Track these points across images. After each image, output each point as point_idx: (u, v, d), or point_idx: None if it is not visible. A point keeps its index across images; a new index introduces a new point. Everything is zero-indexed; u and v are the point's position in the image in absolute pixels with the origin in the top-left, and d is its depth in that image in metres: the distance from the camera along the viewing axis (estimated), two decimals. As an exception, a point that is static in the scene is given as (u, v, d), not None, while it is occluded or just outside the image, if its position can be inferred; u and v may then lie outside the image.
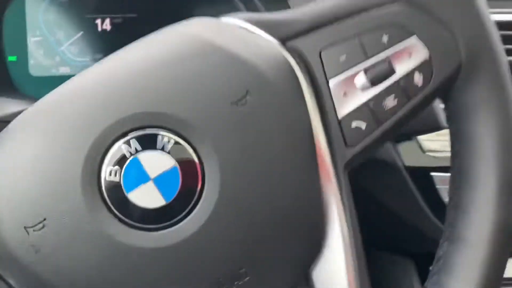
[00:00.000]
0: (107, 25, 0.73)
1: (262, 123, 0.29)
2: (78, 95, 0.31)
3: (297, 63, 0.32)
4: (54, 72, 0.73)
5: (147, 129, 0.28)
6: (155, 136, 0.28)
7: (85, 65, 0.73)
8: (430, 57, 0.31)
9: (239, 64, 0.30)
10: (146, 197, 0.28)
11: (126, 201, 0.28)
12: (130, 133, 0.28)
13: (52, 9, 0.71)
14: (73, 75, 0.70)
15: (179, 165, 0.28)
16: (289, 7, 0.47)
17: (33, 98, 0.67)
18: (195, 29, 0.33)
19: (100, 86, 0.30)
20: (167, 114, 0.28)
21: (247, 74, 0.30)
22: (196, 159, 0.28)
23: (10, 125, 0.32)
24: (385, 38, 0.31)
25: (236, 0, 0.74)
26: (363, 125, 0.31)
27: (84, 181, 0.27)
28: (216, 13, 0.56)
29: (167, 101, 0.29)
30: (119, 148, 0.28)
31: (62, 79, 0.69)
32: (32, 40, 0.71)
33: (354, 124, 0.31)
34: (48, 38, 0.72)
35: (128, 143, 0.28)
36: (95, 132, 0.28)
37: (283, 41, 0.32)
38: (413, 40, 0.31)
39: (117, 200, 0.28)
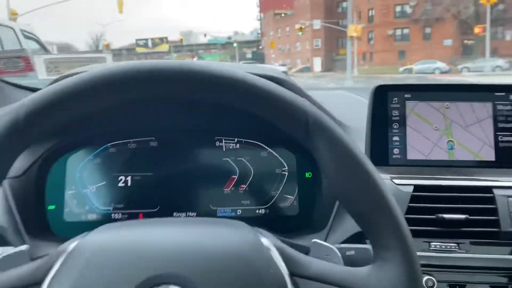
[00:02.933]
0: (128, 182, 0.89)
1: None
2: (142, 246, 0.42)
3: None
4: (83, 218, 0.88)
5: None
6: None
7: (108, 213, 0.88)
8: None
9: (256, 278, 0.40)
10: None
11: None
12: (171, 285, 0.39)
13: (87, 168, 0.89)
14: (99, 221, 0.85)
15: None
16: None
17: (65, 239, 0.80)
18: (237, 237, 0.44)
19: (153, 247, 0.42)
20: (195, 283, 0.39)
21: (257, 286, 0.40)
22: None
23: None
24: None
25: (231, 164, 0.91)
26: None
27: None
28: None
29: (196, 277, 0.39)
30: None
31: (90, 223, 0.85)
32: (68, 193, 0.88)
33: None
34: (81, 191, 0.88)
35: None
36: (148, 274, 0.39)
37: (292, 275, 0.43)
38: None
39: None
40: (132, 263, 0.41)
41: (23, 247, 0.48)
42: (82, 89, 0.42)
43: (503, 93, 0.85)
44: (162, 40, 61.96)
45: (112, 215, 0.88)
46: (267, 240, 0.45)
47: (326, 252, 0.55)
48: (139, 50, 61.25)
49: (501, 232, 0.74)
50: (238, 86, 0.44)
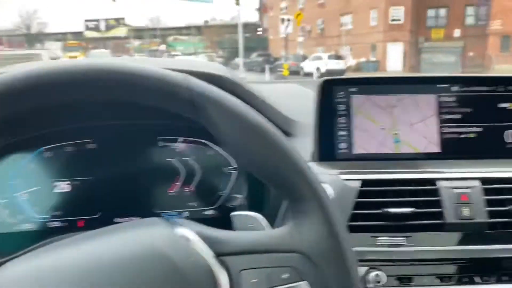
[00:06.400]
0: (66, 187, 0.84)
1: None
2: (46, 277, 0.39)
3: (225, 276, 0.42)
4: (17, 228, 0.82)
5: None
6: None
7: (45, 222, 0.82)
8: None
9: (177, 272, 0.39)
10: None
11: None
12: None
13: (20, 175, 0.83)
14: (35, 231, 0.80)
15: None
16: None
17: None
18: (148, 236, 0.43)
19: (67, 272, 0.39)
20: None
21: (181, 281, 0.39)
22: None
23: None
24: (285, 275, 0.43)
25: (176, 163, 0.87)
26: None
27: None
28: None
29: None
30: None
31: (25, 234, 0.79)
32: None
33: None
34: (14, 200, 0.82)
35: None
36: None
37: (218, 256, 0.42)
38: (304, 283, 0.43)
39: None
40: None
41: None
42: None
43: (446, 85, 0.86)
44: (118, 21, 51.25)
45: (50, 223, 0.83)
46: (183, 229, 0.44)
47: (248, 221, 0.55)
48: (89, 34, 50.71)
49: (446, 224, 0.74)
50: (111, 79, 0.42)
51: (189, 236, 0.43)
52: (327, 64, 21.99)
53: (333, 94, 0.85)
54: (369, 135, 0.85)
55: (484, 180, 0.77)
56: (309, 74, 21.59)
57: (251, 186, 0.89)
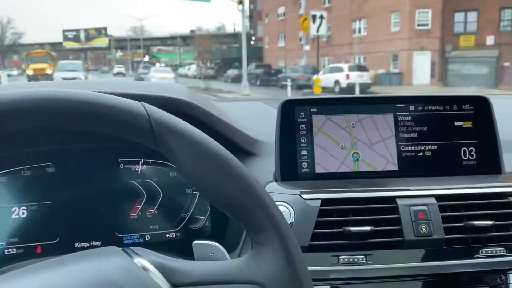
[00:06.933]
0: (22, 212, 0.81)
1: None
2: None
3: None
4: None
5: None
6: None
7: (1, 249, 0.80)
8: None
9: None
10: None
11: None
12: None
13: None
14: None
15: None
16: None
17: None
18: (103, 267, 0.41)
19: None
20: None
21: None
22: None
23: None
24: None
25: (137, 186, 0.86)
26: None
27: None
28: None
29: None
30: None
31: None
32: None
33: None
34: None
35: None
36: None
37: (174, 286, 0.42)
38: None
39: None
40: None
41: None
42: None
43: (403, 104, 0.88)
44: (100, 31, 47.95)
45: (6, 250, 0.80)
46: (140, 259, 0.43)
47: (209, 250, 0.55)
48: (67, 45, 47.86)
49: (405, 241, 0.76)
50: (61, 107, 0.41)
51: (146, 266, 0.43)
52: (348, 77, 18.84)
53: (295, 114, 0.86)
54: (330, 154, 0.86)
55: (440, 197, 0.79)
56: (324, 90, 17.80)
57: (213, 208, 0.89)
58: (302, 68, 22.94)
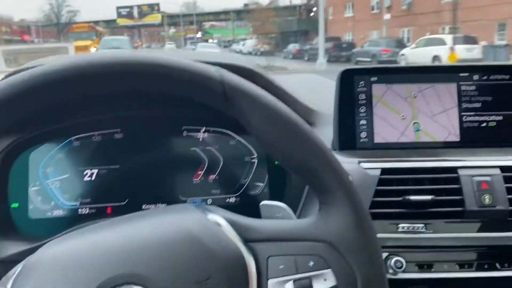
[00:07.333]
0: (94, 175, 0.87)
1: None
2: (89, 254, 0.41)
3: (252, 261, 0.43)
4: (49, 215, 0.85)
5: (135, 285, 0.39)
6: None
7: (75, 209, 0.86)
8: (337, 286, 0.44)
9: (209, 255, 0.41)
10: None
11: None
12: (124, 285, 0.39)
13: (51, 163, 0.86)
14: (65, 217, 0.83)
15: None
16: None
17: (32, 238, 0.78)
18: (183, 221, 0.44)
19: (105, 251, 0.41)
20: (151, 279, 0.39)
21: (213, 264, 0.41)
22: None
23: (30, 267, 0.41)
24: (311, 263, 0.44)
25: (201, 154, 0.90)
26: None
27: None
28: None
29: (152, 272, 0.40)
30: None
31: (56, 220, 0.83)
32: (32, 190, 0.85)
33: None
34: (45, 187, 0.86)
35: None
36: (100, 279, 0.39)
37: (246, 242, 0.44)
38: (329, 271, 0.44)
39: None
40: (85, 269, 0.40)
41: None
42: (17, 92, 0.42)
43: (467, 74, 0.86)
44: (153, 8, 47.20)
45: (79, 210, 0.86)
46: (214, 215, 0.45)
47: (276, 211, 0.57)
48: (121, 21, 47.72)
49: (466, 211, 0.75)
50: (145, 70, 0.43)
51: (220, 221, 0.45)
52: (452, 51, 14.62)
53: (354, 84, 0.86)
54: (389, 124, 0.86)
55: (504, 168, 0.77)
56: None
57: (271, 175, 0.91)
58: (384, 41, 19.36)
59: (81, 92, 0.43)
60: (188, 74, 0.44)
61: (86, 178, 0.87)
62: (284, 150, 0.45)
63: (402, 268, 0.74)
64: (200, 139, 0.90)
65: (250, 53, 31.73)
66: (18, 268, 0.42)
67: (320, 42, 16.78)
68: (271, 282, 0.43)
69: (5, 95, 0.41)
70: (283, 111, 0.45)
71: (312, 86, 1.20)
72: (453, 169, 0.78)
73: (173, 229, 0.43)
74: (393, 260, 0.74)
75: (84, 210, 0.86)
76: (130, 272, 0.39)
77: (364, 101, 0.86)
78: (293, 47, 28.34)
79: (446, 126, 0.86)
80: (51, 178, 0.86)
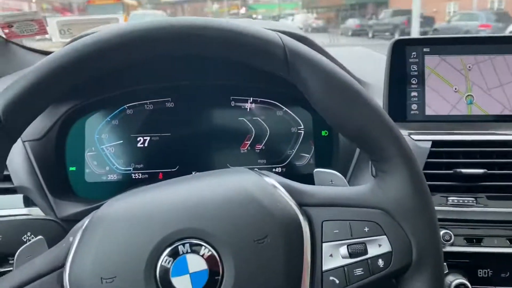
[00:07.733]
0: (146, 142, 0.90)
1: (272, 259, 0.41)
2: (154, 209, 0.43)
3: (306, 224, 0.44)
4: (104, 179, 0.90)
5: (197, 240, 0.40)
6: (200, 246, 0.40)
7: (129, 173, 0.90)
8: (392, 252, 0.44)
9: (267, 215, 0.42)
10: (182, 284, 0.39)
11: (169, 282, 0.39)
12: (187, 239, 0.41)
13: (105, 129, 0.90)
14: (120, 181, 0.87)
15: (209, 269, 0.40)
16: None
17: (88, 199, 0.83)
18: (241, 182, 0.46)
19: (168, 207, 0.43)
20: (212, 234, 0.41)
21: (270, 223, 0.42)
22: (221, 269, 0.40)
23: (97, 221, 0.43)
24: (366, 229, 0.45)
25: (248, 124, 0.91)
26: (337, 281, 0.43)
27: (148, 262, 0.39)
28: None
29: (214, 227, 0.41)
30: (176, 246, 0.40)
31: (111, 184, 0.87)
32: (88, 154, 0.89)
33: (331, 278, 0.43)
34: (100, 152, 0.90)
35: (183, 245, 0.40)
36: (164, 233, 0.41)
37: (301, 206, 0.45)
38: (384, 238, 0.44)
39: (164, 281, 0.39)
40: (150, 224, 0.41)
41: (40, 237, 0.49)
42: (80, 55, 0.42)
43: None
44: None
45: (133, 175, 0.90)
46: (270, 179, 0.46)
47: (330, 178, 0.57)
48: None
49: None
50: (208, 34, 0.44)
51: (276, 184, 0.46)
52: None
53: (406, 54, 0.84)
54: (441, 97, 0.84)
55: None
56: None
57: (318, 146, 0.91)
58: (483, 14, 15.23)
59: (149, 54, 0.44)
60: (252, 39, 0.44)
61: (139, 145, 0.90)
62: (343, 116, 0.45)
63: (451, 241, 0.73)
64: (248, 110, 0.91)
65: (300, 29, 30.08)
66: (85, 221, 0.44)
67: (414, 13, 13.86)
68: (325, 245, 0.44)
69: (72, 57, 0.42)
70: (344, 77, 0.45)
71: (361, 58, 1.18)
72: (507, 143, 0.76)
73: (233, 189, 0.45)
74: (441, 233, 0.74)
75: (137, 175, 0.90)
76: (192, 227, 0.41)
77: (416, 73, 0.84)
78: (353, 22, 24.62)
79: (501, 101, 0.83)
80: (106, 144, 0.90)
